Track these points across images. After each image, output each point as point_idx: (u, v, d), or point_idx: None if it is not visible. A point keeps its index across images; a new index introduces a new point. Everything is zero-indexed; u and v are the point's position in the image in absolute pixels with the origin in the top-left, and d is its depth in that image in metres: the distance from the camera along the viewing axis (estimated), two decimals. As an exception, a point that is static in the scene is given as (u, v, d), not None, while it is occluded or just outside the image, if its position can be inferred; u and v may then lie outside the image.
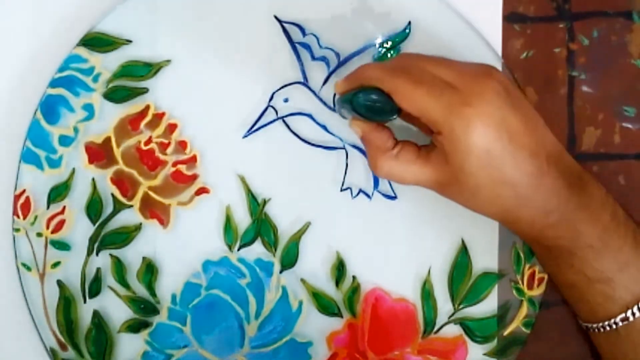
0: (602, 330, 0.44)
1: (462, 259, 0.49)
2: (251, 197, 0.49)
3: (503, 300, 0.49)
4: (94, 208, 0.49)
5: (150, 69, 0.49)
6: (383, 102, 0.42)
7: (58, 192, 0.48)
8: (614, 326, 0.43)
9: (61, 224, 0.49)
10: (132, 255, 0.49)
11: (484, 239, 0.49)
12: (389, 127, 0.44)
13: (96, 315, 0.49)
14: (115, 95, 0.49)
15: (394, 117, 0.43)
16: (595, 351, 0.47)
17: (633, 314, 0.42)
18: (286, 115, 0.49)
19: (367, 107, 0.43)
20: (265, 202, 0.49)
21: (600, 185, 0.43)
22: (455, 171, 0.41)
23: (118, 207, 0.49)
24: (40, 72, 0.49)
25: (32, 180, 0.48)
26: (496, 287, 0.49)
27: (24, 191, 0.48)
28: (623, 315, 0.42)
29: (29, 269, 0.48)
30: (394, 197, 0.49)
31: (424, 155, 0.43)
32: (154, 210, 0.49)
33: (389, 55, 0.49)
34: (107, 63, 0.49)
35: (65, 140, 0.49)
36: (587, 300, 0.44)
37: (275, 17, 0.49)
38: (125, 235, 0.49)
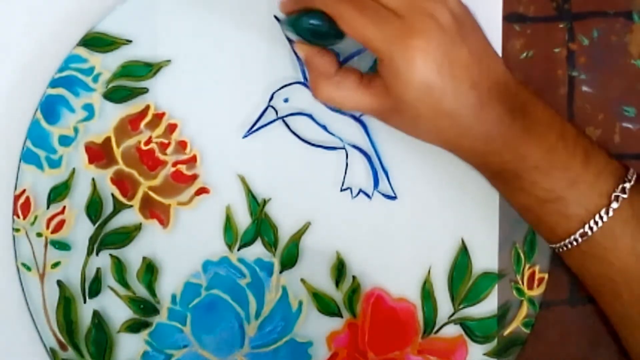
0: (565, 248, 0.44)
1: (462, 259, 0.49)
2: (251, 197, 0.49)
3: (503, 300, 0.49)
4: (94, 208, 0.49)
5: (150, 69, 0.49)
6: (327, 27, 0.42)
7: (58, 192, 0.48)
8: (575, 243, 0.43)
9: (61, 224, 0.48)
10: (132, 255, 0.49)
11: (484, 239, 0.49)
12: (333, 51, 0.45)
13: (96, 315, 0.49)
14: (115, 95, 0.49)
15: (338, 41, 0.43)
16: (597, 351, 0.47)
17: (590, 228, 0.42)
18: (286, 115, 0.49)
19: (310, 30, 0.43)
20: (265, 202, 0.49)
21: (547, 107, 0.44)
22: (395, 101, 0.41)
23: (118, 207, 0.49)
24: (40, 72, 0.49)
25: (32, 180, 0.48)
26: (496, 287, 0.49)
27: (24, 191, 0.48)
28: (581, 230, 0.42)
29: (29, 269, 0.48)
30: (394, 197, 0.49)
31: (365, 82, 0.44)
32: (154, 210, 0.49)
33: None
34: (107, 63, 0.49)
35: (65, 140, 0.49)
36: (544, 221, 0.44)
37: (275, 17, 0.49)
38: (126, 236, 0.49)
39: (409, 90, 0.41)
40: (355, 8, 0.41)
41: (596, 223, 0.42)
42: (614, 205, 0.42)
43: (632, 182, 0.43)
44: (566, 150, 0.43)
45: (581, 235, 0.42)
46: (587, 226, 0.42)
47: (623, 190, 0.42)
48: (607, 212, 0.42)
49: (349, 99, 0.44)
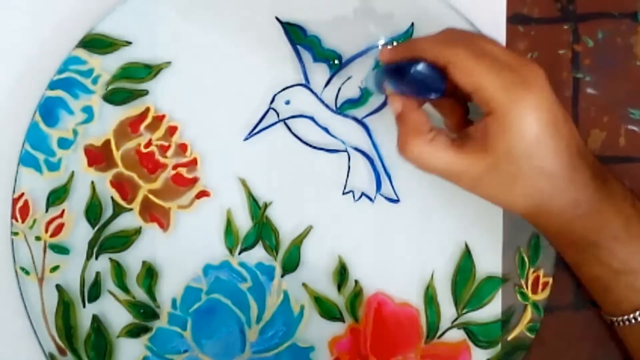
0: (627, 323, 0.43)
1: (465, 263, 0.49)
2: (252, 200, 0.49)
3: (507, 305, 0.49)
4: (93, 211, 0.48)
5: (150, 70, 0.48)
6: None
7: (57, 196, 0.48)
8: (639, 318, 0.43)
9: (60, 227, 0.48)
10: (132, 259, 0.48)
11: (488, 242, 0.49)
12: (427, 113, 0.43)
13: (95, 319, 0.48)
14: (115, 97, 0.48)
15: (439, 95, 0.41)
16: (601, 356, 0.47)
17: None
18: (288, 118, 0.49)
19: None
20: (266, 205, 0.49)
21: (618, 178, 0.43)
22: (496, 158, 0.40)
23: (118, 210, 0.48)
24: (39, 74, 0.48)
25: (30, 183, 0.48)
26: (500, 292, 0.49)
27: (22, 194, 0.48)
28: None
29: (27, 273, 0.48)
30: (396, 201, 0.49)
31: (458, 143, 0.41)
32: (154, 213, 0.48)
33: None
34: (106, 65, 0.48)
35: (64, 143, 0.48)
36: (611, 292, 0.43)
37: (277, 19, 0.48)
38: (125, 239, 0.48)
39: (520, 143, 0.39)
40: (473, 55, 0.39)
41: None
42: None
43: None
44: (639, 222, 0.42)
45: None
46: None
47: None
48: None
49: (440, 159, 0.41)
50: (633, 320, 0.43)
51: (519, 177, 0.40)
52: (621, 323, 0.44)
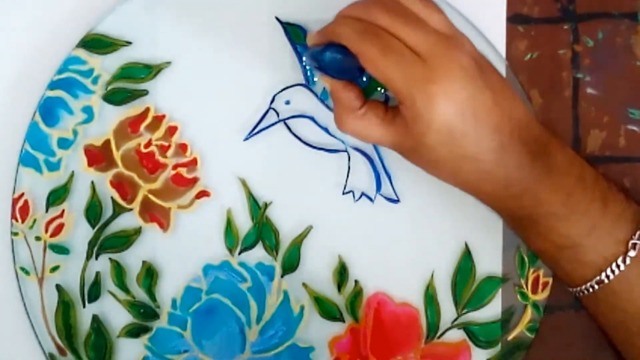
0: (582, 293, 0.44)
1: (465, 263, 0.49)
2: (252, 200, 0.49)
3: (507, 305, 0.49)
4: (93, 211, 0.48)
5: (150, 70, 0.48)
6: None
7: (57, 196, 0.48)
8: (591, 289, 0.43)
9: (60, 227, 0.48)
10: (132, 259, 0.48)
11: (488, 242, 0.49)
12: (357, 87, 0.44)
13: (95, 319, 0.48)
14: (115, 97, 0.48)
15: (360, 77, 0.43)
16: (601, 357, 0.47)
17: (607, 276, 0.42)
18: (288, 118, 0.49)
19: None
20: (266, 205, 0.49)
21: (567, 150, 0.44)
22: (415, 142, 0.41)
23: (118, 210, 0.48)
24: (39, 74, 0.48)
25: (30, 183, 0.48)
26: (500, 292, 0.49)
27: (22, 194, 0.48)
28: (597, 278, 0.42)
29: (27, 273, 0.48)
30: (396, 201, 0.49)
31: (389, 118, 0.43)
32: (154, 213, 0.48)
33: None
34: (106, 65, 0.48)
35: (64, 143, 0.48)
36: (560, 266, 0.44)
37: (277, 19, 0.48)
38: (125, 239, 0.48)
39: (430, 133, 0.40)
40: (379, 47, 0.40)
41: (612, 271, 0.42)
42: (631, 253, 0.42)
43: None
44: (584, 194, 0.42)
45: (597, 283, 0.42)
46: (603, 274, 0.42)
47: None
48: (624, 261, 0.42)
49: (373, 133, 0.43)
50: (586, 291, 0.43)
51: (441, 161, 0.41)
52: (578, 294, 0.44)
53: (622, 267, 0.42)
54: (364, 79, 0.47)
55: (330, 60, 0.43)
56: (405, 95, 0.40)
